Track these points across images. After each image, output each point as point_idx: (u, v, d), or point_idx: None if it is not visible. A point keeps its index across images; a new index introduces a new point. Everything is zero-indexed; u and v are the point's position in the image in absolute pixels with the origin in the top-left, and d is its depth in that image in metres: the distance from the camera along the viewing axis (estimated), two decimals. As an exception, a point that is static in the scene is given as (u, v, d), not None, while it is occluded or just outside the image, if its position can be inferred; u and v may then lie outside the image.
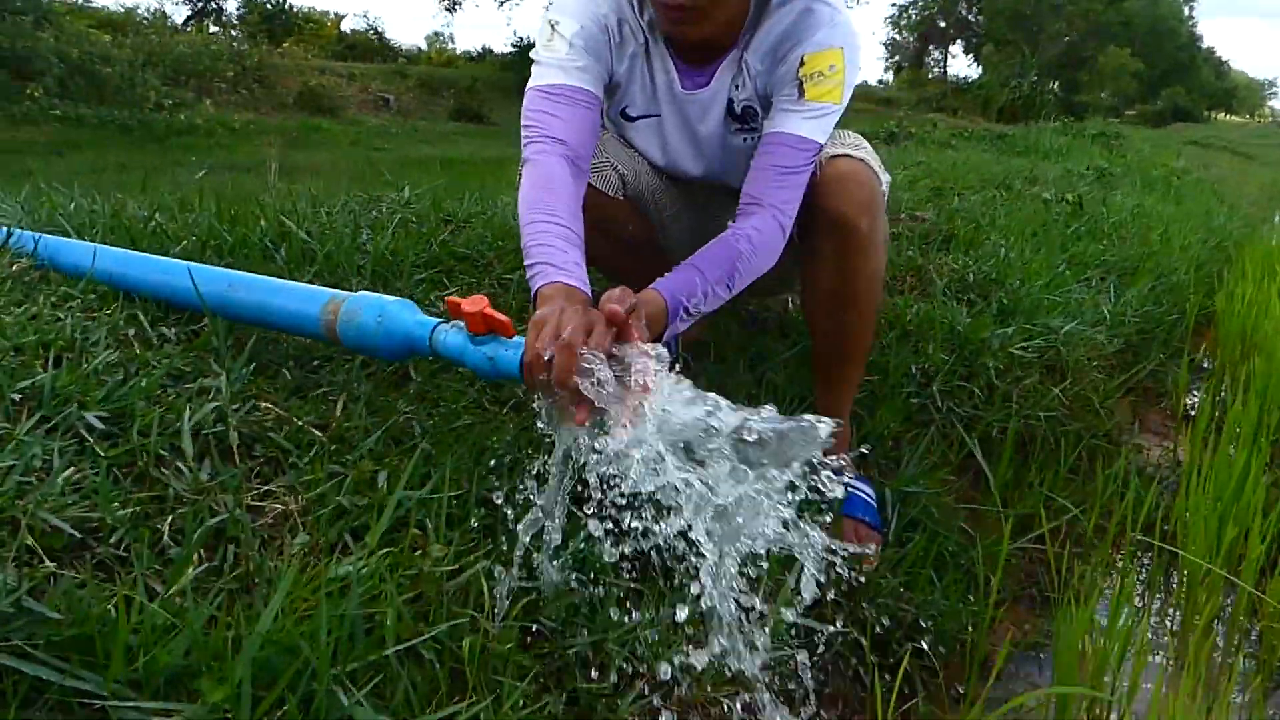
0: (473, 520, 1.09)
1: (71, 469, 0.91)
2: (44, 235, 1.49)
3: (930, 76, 27.92)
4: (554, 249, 1.20)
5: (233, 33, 17.97)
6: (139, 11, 17.07)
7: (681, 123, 1.52)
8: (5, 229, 1.49)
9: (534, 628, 1.04)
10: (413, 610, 0.93)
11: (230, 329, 1.31)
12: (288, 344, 1.34)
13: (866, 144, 1.41)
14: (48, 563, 0.81)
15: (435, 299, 1.72)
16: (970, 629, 1.49)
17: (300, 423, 1.15)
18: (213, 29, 18.60)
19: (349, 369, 1.33)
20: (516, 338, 1.06)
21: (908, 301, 2.05)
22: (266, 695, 0.74)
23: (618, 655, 1.03)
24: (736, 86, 1.45)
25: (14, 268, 1.37)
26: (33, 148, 8.49)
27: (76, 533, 0.84)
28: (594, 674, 1.02)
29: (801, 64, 1.35)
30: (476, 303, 1.05)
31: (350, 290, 1.24)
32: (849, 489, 1.52)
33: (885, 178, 1.43)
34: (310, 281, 1.64)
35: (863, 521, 1.51)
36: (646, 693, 1.04)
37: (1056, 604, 1.56)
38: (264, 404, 1.18)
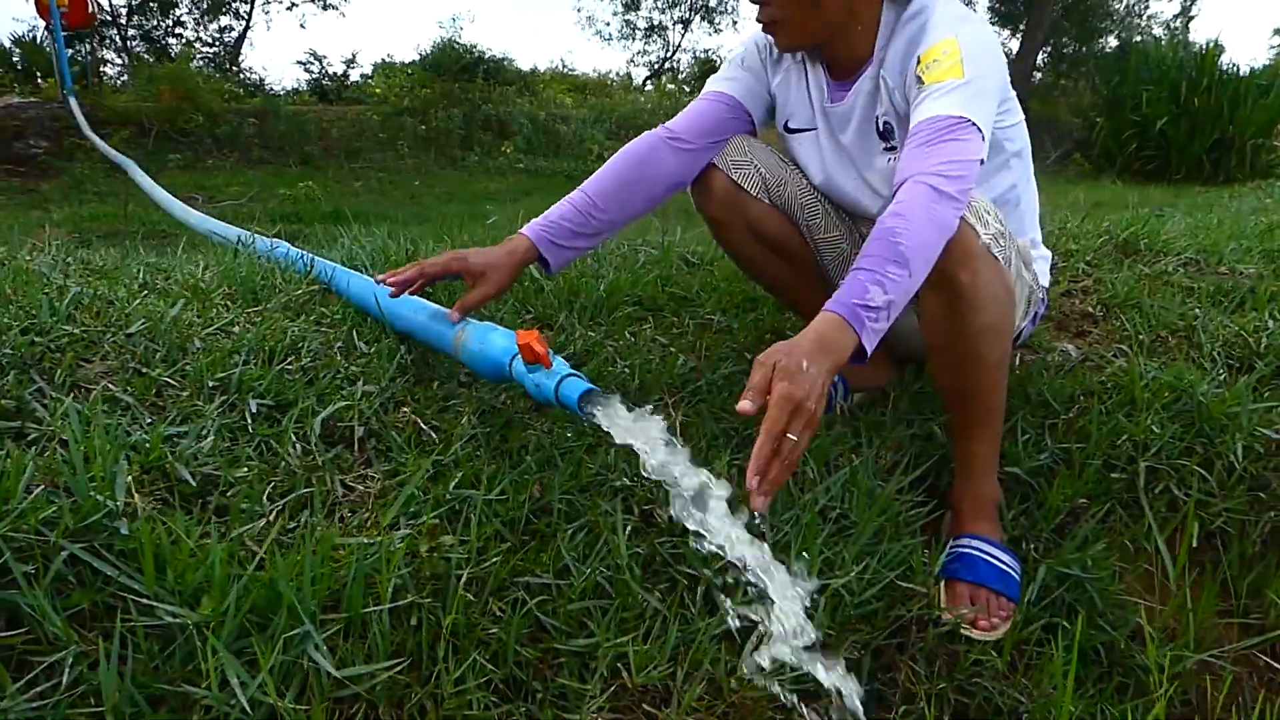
0: (507, 519, 1.25)
1: (216, 439, 1.24)
2: (336, 265, 1.93)
3: None
4: (553, 209, 1.59)
5: (684, 87, 19.87)
6: (610, 75, 19.64)
7: (830, 135, 1.60)
8: (312, 257, 1.96)
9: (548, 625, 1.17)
10: (423, 589, 1.12)
11: (421, 350, 1.61)
12: (450, 363, 1.61)
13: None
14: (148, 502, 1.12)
15: (628, 333, 1.90)
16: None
17: (422, 425, 1.41)
18: (669, 86, 20.71)
19: (494, 389, 1.55)
20: (554, 368, 1.21)
21: (1148, 365, 1.79)
22: (253, 621, 0.98)
23: (603, 662, 1.13)
24: (879, 103, 1.48)
25: (298, 291, 1.81)
26: (498, 195, 10.12)
27: (193, 483, 1.15)
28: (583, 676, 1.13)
29: (918, 64, 1.38)
30: (527, 335, 1.22)
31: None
32: (976, 552, 1.42)
33: (993, 228, 1.33)
34: (528, 317, 1.92)
35: (990, 589, 1.39)
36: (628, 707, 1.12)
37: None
38: (405, 408, 1.45)
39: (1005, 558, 1.42)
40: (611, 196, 1.58)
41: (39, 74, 11.62)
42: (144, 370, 1.35)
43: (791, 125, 1.65)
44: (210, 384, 1.34)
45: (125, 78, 12.38)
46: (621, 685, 1.13)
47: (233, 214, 6.81)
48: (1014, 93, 1.53)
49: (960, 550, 1.42)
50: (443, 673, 1.05)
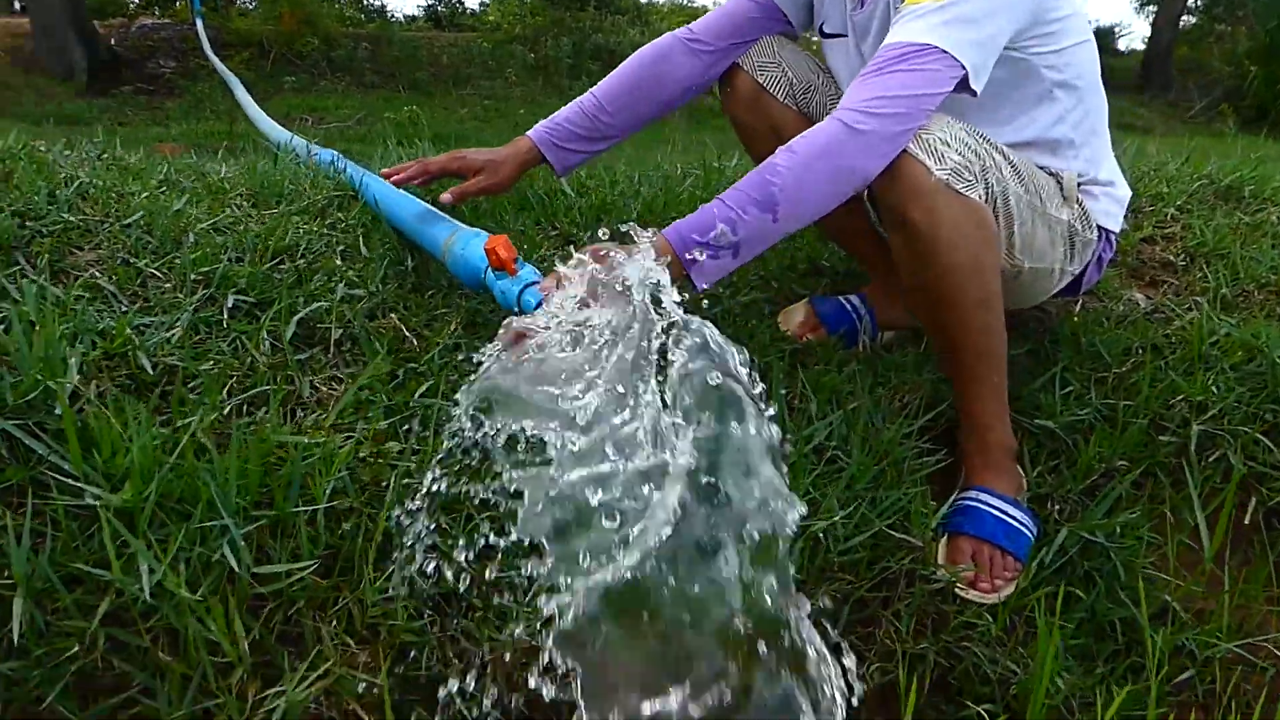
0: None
1: (187, 331, 1.22)
2: (364, 171, 1.89)
3: None
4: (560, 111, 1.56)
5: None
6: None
7: (855, 45, 1.49)
8: (344, 164, 1.93)
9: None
10: (362, 494, 1.08)
11: (425, 258, 1.56)
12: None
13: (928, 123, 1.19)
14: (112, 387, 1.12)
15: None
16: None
17: (405, 331, 1.37)
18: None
19: (488, 301, 1.50)
20: (520, 274, 1.14)
21: (1223, 321, 1.60)
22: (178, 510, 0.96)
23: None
24: (891, 17, 1.37)
25: (319, 196, 1.78)
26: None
27: (151, 372, 1.14)
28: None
29: None
30: (495, 240, 1.15)
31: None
32: (984, 506, 1.30)
33: (952, 160, 1.17)
34: (553, 234, 1.85)
35: (996, 546, 1.27)
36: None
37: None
38: (393, 314, 1.41)
39: (1018, 514, 1.30)
40: (619, 99, 1.54)
41: (175, -4, 12.07)
42: (131, 260, 1.34)
43: (826, 29, 1.54)
44: (193, 277, 1.33)
45: (253, 2, 12.72)
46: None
47: (339, 135, 6.94)
48: (1070, 12, 1.34)
49: (966, 503, 1.31)
50: (369, 580, 1.02)
